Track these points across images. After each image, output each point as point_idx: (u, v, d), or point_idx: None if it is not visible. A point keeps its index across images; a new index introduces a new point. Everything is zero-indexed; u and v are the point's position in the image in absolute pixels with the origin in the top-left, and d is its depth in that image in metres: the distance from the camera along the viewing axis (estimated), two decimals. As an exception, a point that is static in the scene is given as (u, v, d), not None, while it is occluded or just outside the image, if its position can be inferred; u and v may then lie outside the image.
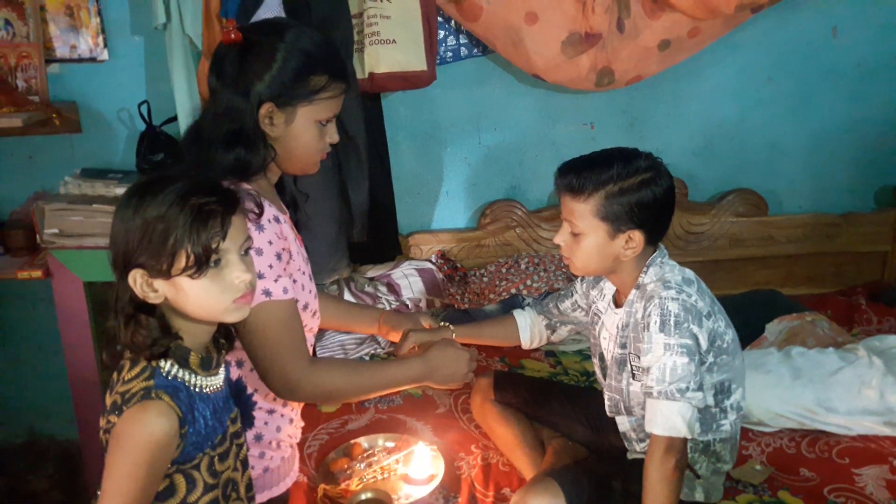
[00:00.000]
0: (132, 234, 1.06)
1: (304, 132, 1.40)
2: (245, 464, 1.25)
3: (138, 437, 1.04)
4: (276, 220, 1.38)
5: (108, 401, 1.10)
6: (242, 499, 1.24)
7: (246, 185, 1.36)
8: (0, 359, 2.64)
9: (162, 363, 1.10)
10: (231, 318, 1.14)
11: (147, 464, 1.05)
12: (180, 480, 1.11)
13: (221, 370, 1.20)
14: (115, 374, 1.12)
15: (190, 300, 1.09)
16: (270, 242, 1.34)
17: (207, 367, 1.15)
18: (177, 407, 1.07)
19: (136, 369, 1.09)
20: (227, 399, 1.21)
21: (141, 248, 1.06)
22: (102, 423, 1.10)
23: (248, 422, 1.26)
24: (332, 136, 1.45)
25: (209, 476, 1.14)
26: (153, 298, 1.08)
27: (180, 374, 1.11)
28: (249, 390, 1.32)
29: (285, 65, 1.35)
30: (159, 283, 1.08)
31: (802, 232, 2.79)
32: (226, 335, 1.22)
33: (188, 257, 1.06)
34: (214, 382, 1.17)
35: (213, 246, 1.08)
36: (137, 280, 1.07)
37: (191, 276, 1.07)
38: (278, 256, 1.35)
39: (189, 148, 1.41)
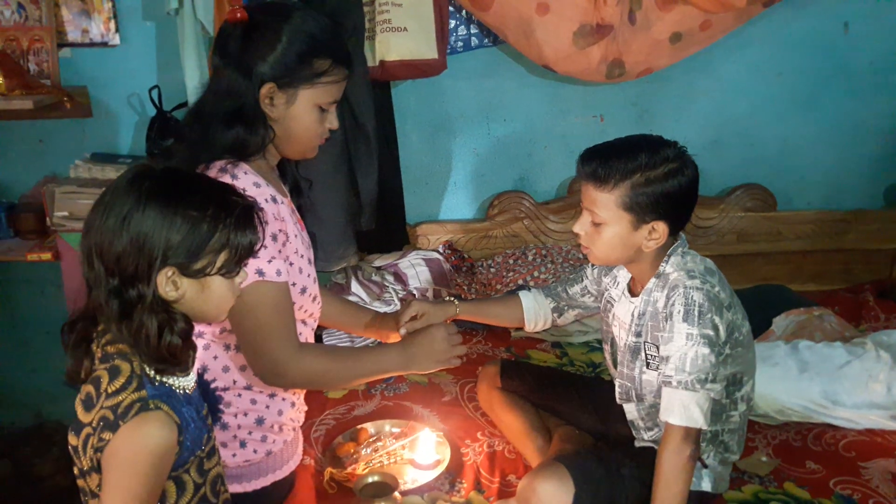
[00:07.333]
0: (172, 233, 1.02)
1: (304, 115, 1.40)
2: (218, 455, 1.22)
3: (141, 451, 1.00)
4: (274, 200, 1.38)
5: (94, 417, 1.03)
6: (227, 490, 1.23)
7: (245, 165, 1.36)
8: (8, 342, 2.65)
9: (146, 368, 1.05)
10: (225, 316, 1.16)
11: (153, 477, 1.02)
12: (171, 487, 1.08)
13: (194, 369, 1.17)
14: (91, 389, 1.05)
15: (213, 298, 1.09)
16: (266, 222, 1.34)
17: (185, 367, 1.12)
18: (175, 415, 1.03)
19: (120, 380, 1.03)
20: (200, 397, 1.18)
21: (181, 246, 1.02)
22: (93, 441, 1.02)
23: (215, 416, 1.22)
24: (332, 122, 1.45)
25: (198, 476, 1.12)
26: (173, 297, 1.05)
27: (165, 378, 1.08)
28: (239, 376, 1.32)
29: (289, 46, 1.35)
30: (185, 282, 1.05)
31: (811, 228, 2.78)
32: None
33: (230, 256, 1.06)
34: (191, 382, 1.14)
35: (254, 246, 1.10)
36: (164, 278, 1.03)
37: (223, 275, 1.08)
38: (273, 237, 1.35)
39: (191, 126, 1.41)
